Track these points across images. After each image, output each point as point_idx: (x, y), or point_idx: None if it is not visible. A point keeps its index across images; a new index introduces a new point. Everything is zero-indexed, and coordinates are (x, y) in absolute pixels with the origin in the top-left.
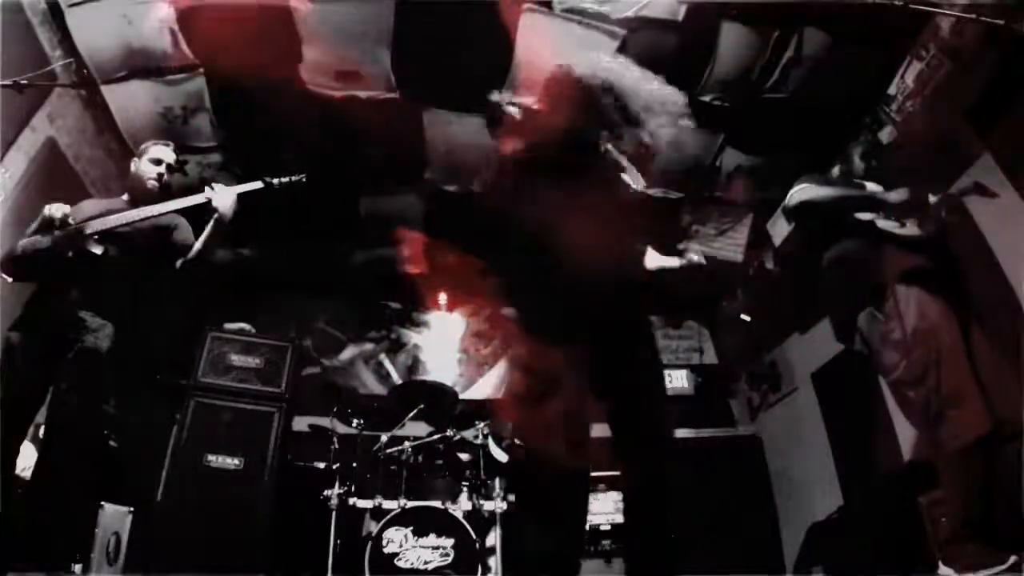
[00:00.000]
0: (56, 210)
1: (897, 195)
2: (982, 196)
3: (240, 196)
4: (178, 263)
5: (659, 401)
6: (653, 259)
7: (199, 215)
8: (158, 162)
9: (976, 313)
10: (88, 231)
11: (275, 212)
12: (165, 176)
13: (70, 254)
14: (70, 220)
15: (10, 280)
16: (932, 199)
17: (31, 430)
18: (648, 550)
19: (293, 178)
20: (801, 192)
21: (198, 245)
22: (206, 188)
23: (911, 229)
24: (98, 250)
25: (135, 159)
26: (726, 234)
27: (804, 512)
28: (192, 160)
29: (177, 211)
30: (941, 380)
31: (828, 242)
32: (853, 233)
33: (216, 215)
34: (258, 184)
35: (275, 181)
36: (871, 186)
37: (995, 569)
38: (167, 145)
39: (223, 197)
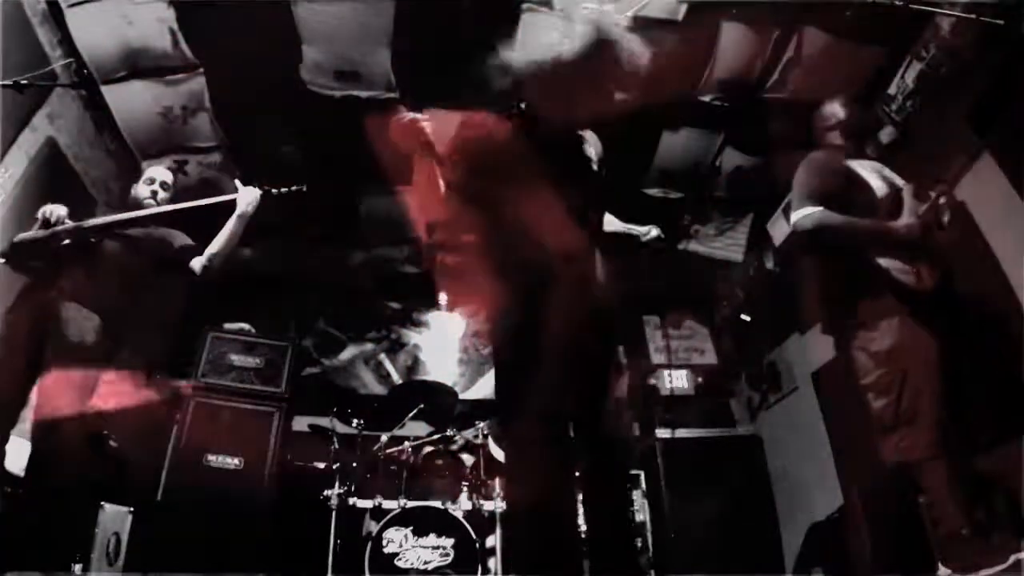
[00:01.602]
0: (53, 210)
1: (905, 227)
2: None
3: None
4: (198, 265)
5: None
6: (612, 223)
7: (210, 215)
8: (151, 181)
9: (969, 350)
10: (87, 226)
11: (275, 211)
12: (160, 194)
13: (66, 242)
14: (67, 220)
15: (6, 265)
16: (938, 195)
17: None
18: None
19: (293, 188)
20: (810, 218)
21: (222, 242)
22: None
23: (925, 282)
24: (93, 239)
25: (135, 185)
26: (726, 234)
27: (804, 512)
28: (192, 160)
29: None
30: (903, 395)
31: (847, 280)
32: (871, 274)
33: (238, 212)
34: (257, 193)
35: (274, 191)
36: (875, 183)
37: (995, 569)
38: (160, 164)
39: (247, 195)
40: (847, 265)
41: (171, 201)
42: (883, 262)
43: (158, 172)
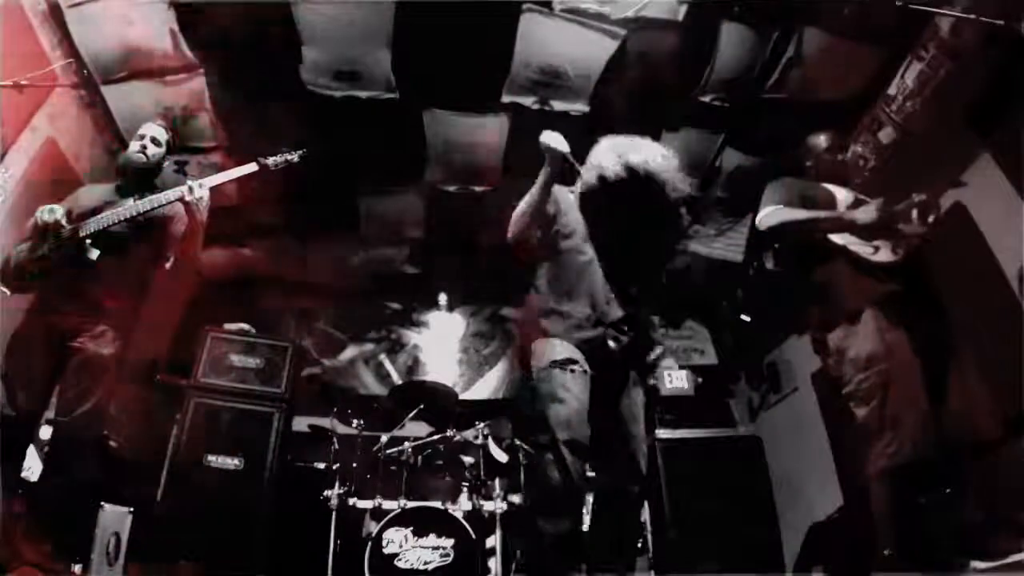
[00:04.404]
0: (47, 214)
1: (865, 214)
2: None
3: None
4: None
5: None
6: None
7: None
8: (140, 137)
9: (952, 337)
10: (82, 234)
11: (274, 210)
12: (150, 149)
13: (67, 262)
14: (63, 224)
15: (9, 293)
16: (916, 198)
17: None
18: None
19: (289, 156)
20: (773, 215)
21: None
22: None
23: (884, 255)
24: (94, 255)
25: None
26: (726, 234)
27: (804, 512)
28: (192, 160)
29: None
30: (887, 401)
31: (807, 263)
32: (828, 258)
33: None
34: (252, 167)
35: (270, 161)
36: (840, 194)
37: (992, 564)
38: (160, 125)
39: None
40: (814, 254)
41: (164, 157)
42: (838, 239)
43: (148, 128)
